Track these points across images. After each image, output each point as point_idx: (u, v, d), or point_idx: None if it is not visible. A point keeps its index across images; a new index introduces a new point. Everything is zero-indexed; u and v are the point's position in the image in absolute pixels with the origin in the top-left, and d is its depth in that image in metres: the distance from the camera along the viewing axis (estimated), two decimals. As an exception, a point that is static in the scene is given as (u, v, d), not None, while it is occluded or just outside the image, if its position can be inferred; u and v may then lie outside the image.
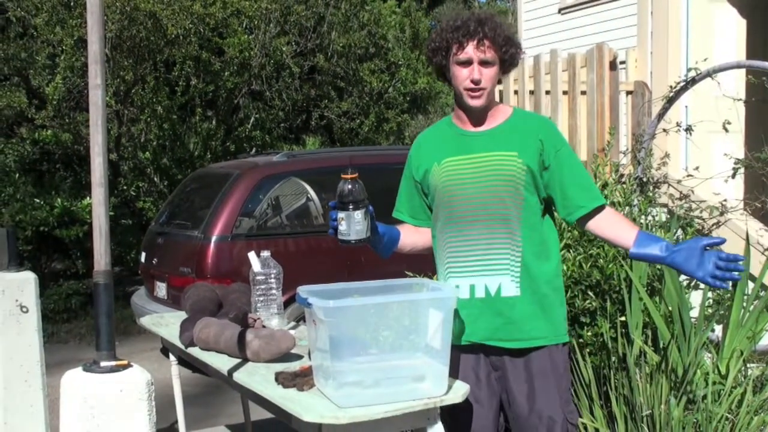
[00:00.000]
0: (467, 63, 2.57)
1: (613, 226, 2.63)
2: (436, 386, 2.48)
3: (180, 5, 10.42)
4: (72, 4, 10.06)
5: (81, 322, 8.50)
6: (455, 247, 2.67)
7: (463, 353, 2.71)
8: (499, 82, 2.71)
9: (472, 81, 2.56)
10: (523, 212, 2.60)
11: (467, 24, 2.56)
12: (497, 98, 2.96)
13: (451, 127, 2.73)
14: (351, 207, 2.44)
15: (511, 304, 2.61)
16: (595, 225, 2.65)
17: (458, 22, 2.58)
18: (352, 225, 2.46)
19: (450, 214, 2.67)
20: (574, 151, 2.69)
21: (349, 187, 2.44)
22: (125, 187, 10.74)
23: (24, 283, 4.01)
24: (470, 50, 2.55)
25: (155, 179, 11.15)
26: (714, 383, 3.48)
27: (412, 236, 2.83)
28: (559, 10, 7.23)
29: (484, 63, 2.56)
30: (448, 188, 2.66)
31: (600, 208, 2.64)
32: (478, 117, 2.65)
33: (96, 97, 2.11)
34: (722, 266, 2.44)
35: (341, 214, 2.46)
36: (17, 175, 9.83)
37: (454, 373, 2.70)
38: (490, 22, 2.56)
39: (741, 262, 2.46)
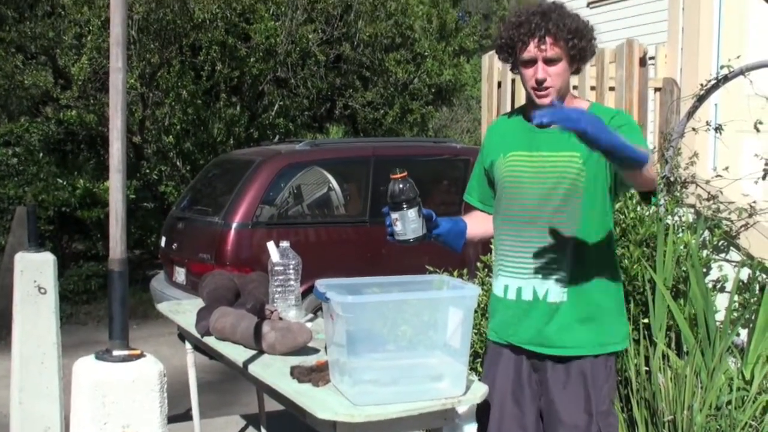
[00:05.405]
0: (531, 62, 2.44)
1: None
2: (455, 386, 2.44)
3: (207, -11, 10.40)
4: (100, -16, 10.06)
5: (100, 304, 8.52)
6: (508, 245, 2.62)
7: (506, 352, 2.66)
8: (577, 71, 2.55)
9: (537, 80, 2.44)
10: (581, 219, 2.49)
11: (529, 20, 2.41)
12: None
13: (522, 119, 2.62)
14: (405, 206, 2.44)
15: (555, 309, 2.53)
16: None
17: (521, 17, 2.44)
18: (407, 224, 2.45)
19: (506, 211, 2.62)
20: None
21: (400, 186, 2.43)
22: (148, 171, 10.75)
23: (43, 265, 4.00)
24: (532, 48, 2.42)
25: (178, 163, 11.15)
26: (738, 389, 3.42)
27: (482, 225, 2.76)
28: (588, 4, 7.10)
29: (548, 61, 2.43)
30: (508, 185, 2.60)
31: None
32: None
33: (117, 80, 2.06)
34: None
35: (395, 215, 2.46)
36: (41, 154, 9.83)
37: (494, 371, 2.68)
38: (554, 15, 2.41)
39: None
